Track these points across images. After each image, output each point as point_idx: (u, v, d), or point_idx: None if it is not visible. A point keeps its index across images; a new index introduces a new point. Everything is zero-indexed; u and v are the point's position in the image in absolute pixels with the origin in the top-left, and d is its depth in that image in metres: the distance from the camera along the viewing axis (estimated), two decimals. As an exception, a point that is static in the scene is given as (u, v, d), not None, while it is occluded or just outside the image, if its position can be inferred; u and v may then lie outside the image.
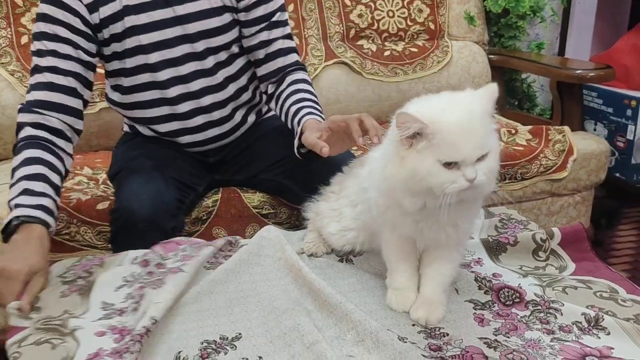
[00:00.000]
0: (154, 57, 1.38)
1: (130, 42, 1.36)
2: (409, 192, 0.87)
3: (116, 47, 1.37)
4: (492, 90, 0.88)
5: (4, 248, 1.11)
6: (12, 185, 1.20)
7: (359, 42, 2.22)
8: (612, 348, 0.89)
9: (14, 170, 1.21)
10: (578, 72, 2.07)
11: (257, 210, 1.56)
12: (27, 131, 1.26)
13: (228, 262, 1.10)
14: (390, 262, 1.01)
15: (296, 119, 1.36)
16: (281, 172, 1.48)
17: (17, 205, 1.15)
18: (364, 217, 1.07)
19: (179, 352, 0.88)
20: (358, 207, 1.08)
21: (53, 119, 1.28)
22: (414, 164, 0.84)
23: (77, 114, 1.33)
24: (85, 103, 1.36)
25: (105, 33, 1.35)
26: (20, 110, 1.29)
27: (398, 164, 0.86)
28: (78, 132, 1.34)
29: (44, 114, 1.27)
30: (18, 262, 1.04)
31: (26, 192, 1.17)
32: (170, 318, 0.96)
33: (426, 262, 0.99)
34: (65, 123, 1.30)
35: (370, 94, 2.20)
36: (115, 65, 1.41)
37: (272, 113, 1.61)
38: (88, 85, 1.35)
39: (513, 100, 2.59)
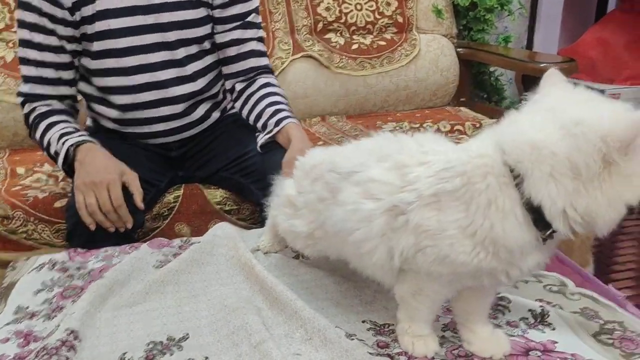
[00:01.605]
0: (122, 43, 1.39)
1: (100, 26, 1.37)
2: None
3: (86, 29, 1.38)
4: (557, 73, 0.81)
5: (85, 163, 1.29)
6: (47, 146, 1.36)
7: (327, 36, 2.22)
8: (556, 342, 0.90)
9: (41, 137, 1.37)
10: (542, 65, 2.09)
11: (219, 206, 1.55)
12: (38, 110, 1.39)
13: (179, 262, 1.09)
14: (420, 311, 0.88)
15: (273, 119, 1.43)
16: (238, 170, 1.49)
17: (64, 140, 1.33)
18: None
19: (124, 354, 0.88)
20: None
21: (55, 103, 1.41)
22: None
23: (72, 97, 1.46)
24: (74, 81, 1.45)
25: (77, 16, 1.36)
26: (23, 103, 1.41)
27: (628, 185, 0.71)
28: (77, 108, 1.48)
29: (46, 102, 1.40)
30: (116, 169, 1.29)
31: (65, 134, 1.35)
32: (116, 319, 0.96)
33: (471, 296, 0.88)
34: (64, 104, 1.44)
35: (338, 89, 2.19)
36: (83, 46, 1.41)
37: (233, 110, 1.61)
38: (74, 68, 1.43)
39: (482, 94, 2.60)
